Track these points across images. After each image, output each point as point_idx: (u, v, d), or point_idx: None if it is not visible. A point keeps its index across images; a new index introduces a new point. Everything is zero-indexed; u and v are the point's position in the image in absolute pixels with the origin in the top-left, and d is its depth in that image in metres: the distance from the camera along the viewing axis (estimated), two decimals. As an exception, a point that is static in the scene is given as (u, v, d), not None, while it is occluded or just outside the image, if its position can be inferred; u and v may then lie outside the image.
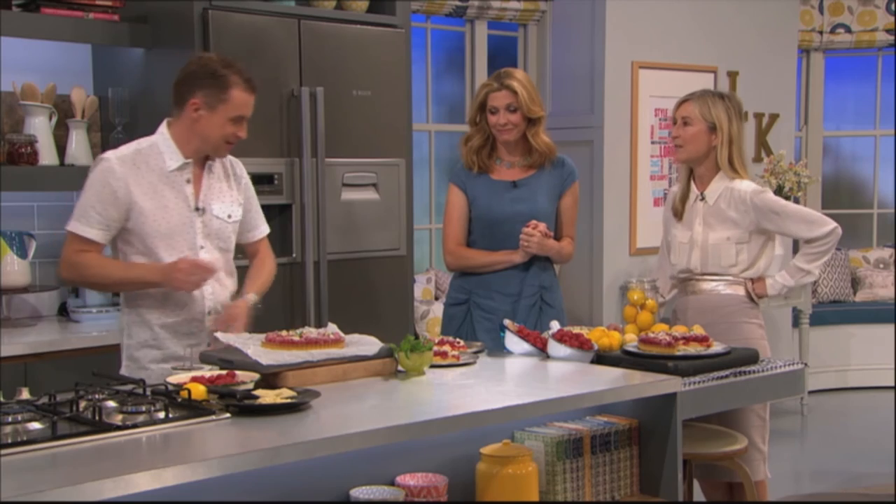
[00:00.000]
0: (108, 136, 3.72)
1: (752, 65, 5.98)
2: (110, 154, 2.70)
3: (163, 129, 2.76)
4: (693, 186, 3.31)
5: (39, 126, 3.51)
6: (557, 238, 3.40)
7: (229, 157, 2.85)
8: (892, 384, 6.68)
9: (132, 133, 3.69)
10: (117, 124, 3.66)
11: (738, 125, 3.26)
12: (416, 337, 2.69)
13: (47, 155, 3.51)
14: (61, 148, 3.59)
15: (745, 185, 3.23)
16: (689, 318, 3.27)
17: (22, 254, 3.51)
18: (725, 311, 3.24)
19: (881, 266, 7.00)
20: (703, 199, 3.27)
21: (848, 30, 7.00)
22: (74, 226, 2.67)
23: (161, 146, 2.72)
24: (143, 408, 2.08)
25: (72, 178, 3.57)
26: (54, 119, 3.59)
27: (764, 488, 3.26)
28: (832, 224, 3.21)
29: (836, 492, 4.68)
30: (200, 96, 2.66)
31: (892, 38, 6.95)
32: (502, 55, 5.61)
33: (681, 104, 3.30)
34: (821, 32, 7.01)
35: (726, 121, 3.22)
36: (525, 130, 3.34)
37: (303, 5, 3.79)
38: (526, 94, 3.29)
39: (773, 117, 6.19)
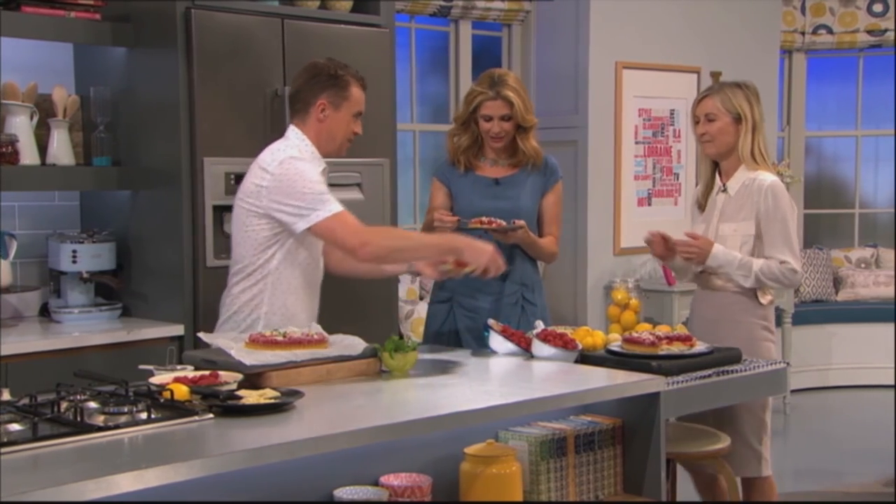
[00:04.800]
0: (89, 135, 3.69)
1: (735, 65, 5.99)
2: (293, 153, 2.80)
3: (297, 132, 2.87)
4: (717, 179, 3.30)
5: (20, 125, 3.49)
6: (540, 237, 3.40)
7: None
8: (875, 383, 6.73)
9: (114, 132, 3.68)
10: (99, 124, 3.64)
11: (760, 109, 3.24)
12: (401, 337, 2.69)
13: (28, 154, 3.48)
14: (42, 147, 3.57)
15: (768, 177, 3.20)
16: (697, 315, 3.27)
17: (3, 254, 3.49)
18: (731, 310, 3.21)
19: (862, 266, 7.05)
20: (724, 190, 3.25)
21: (829, 31, 7.04)
22: (331, 207, 2.71)
23: (307, 148, 2.84)
24: (126, 408, 2.07)
25: (53, 178, 3.55)
26: (35, 118, 3.56)
27: (766, 486, 3.24)
28: (800, 271, 3.17)
29: (818, 490, 4.71)
30: (325, 97, 2.84)
31: (874, 39, 7.00)
32: (486, 55, 5.62)
33: (701, 101, 3.26)
34: (803, 33, 7.05)
35: (749, 109, 3.20)
36: (515, 134, 3.35)
37: (286, 5, 3.78)
38: (521, 104, 3.29)
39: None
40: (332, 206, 2.72)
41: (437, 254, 2.85)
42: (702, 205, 3.32)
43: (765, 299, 3.23)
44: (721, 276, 3.22)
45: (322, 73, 2.86)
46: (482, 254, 2.79)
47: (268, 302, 2.82)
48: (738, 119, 3.21)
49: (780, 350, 6.23)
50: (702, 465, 3.21)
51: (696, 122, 3.27)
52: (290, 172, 2.74)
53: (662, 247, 3.24)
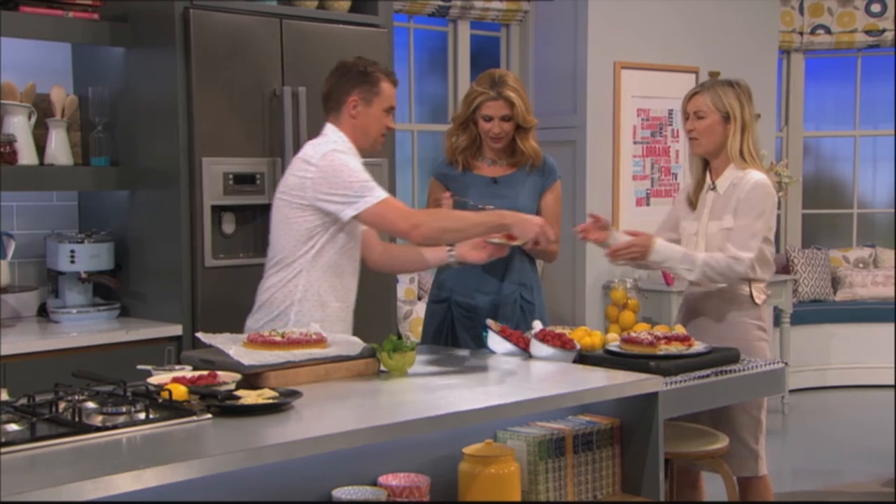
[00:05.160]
0: (88, 135, 3.69)
1: (734, 65, 5.99)
2: (337, 146, 2.85)
3: (334, 129, 2.92)
4: (708, 177, 3.29)
5: (18, 125, 3.48)
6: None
7: None
8: (873, 383, 6.74)
9: (112, 132, 3.68)
10: (97, 124, 3.64)
11: (750, 109, 3.21)
12: (399, 337, 2.69)
13: (26, 154, 3.48)
14: (41, 147, 3.57)
15: (757, 175, 3.16)
16: (694, 314, 3.26)
17: (1, 254, 3.48)
18: (726, 310, 3.20)
19: (861, 266, 7.05)
20: (714, 188, 3.24)
21: (828, 31, 7.05)
22: (378, 194, 2.76)
23: (345, 143, 2.89)
24: (124, 409, 2.07)
25: (51, 178, 3.55)
26: (33, 118, 3.56)
27: (761, 485, 3.24)
28: (745, 259, 3.09)
29: (817, 490, 4.71)
30: (356, 93, 2.90)
31: (872, 39, 7.00)
32: (485, 55, 5.62)
33: (691, 97, 3.25)
34: (801, 33, 7.06)
35: (738, 108, 3.18)
36: (514, 134, 3.35)
37: (285, 5, 3.78)
38: (522, 104, 3.30)
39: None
40: (379, 192, 2.78)
41: (486, 231, 2.89)
42: (693, 202, 3.31)
43: (759, 299, 3.21)
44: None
45: (352, 70, 2.92)
46: (531, 225, 2.85)
47: (302, 289, 2.85)
48: (726, 118, 3.18)
49: (779, 350, 6.24)
50: (693, 465, 3.22)
51: (686, 118, 3.26)
52: (336, 163, 2.79)
53: (594, 229, 3.19)
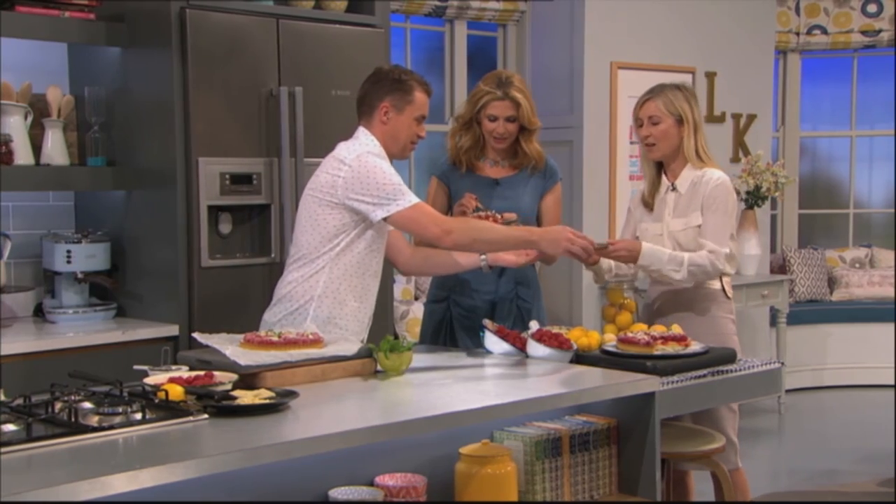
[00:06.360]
0: (84, 135, 3.69)
1: (730, 66, 6.01)
2: (371, 148, 2.87)
3: (366, 132, 2.94)
4: (664, 178, 3.34)
5: (14, 125, 3.48)
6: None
7: None
8: (870, 383, 6.75)
9: (109, 132, 3.67)
10: (94, 124, 3.64)
11: (699, 111, 3.32)
12: (396, 337, 2.69)
13: (22, 154, 3.48)
14: (37, 147, 3.56)
15: (717, 173, 3.26)
16: (665, 311, 3.28)
17: (-3, 254, 3.48)
18: (702, 306, 3.25)
19: (857, 266, 7.06)
20: (674, 189, 3.29)
21: (824, 31, 7.06)
22: (411, 199, 2.80)
23: (378, 147, 2.91)
24: (120, 409, 2.07)
25: (47, 178, 3.54)
26: (30, 118, 3.55)
27: (740, 478, 3.27)
28: (722, 253, 3.13)
29: (812, 489, 4.72)
30: (389, 101, 2.92)
31: (868, 39, 7.01)
32: (482, 55, 5.62)
33: (643, 104, 3.32)
34: (797, 34, 7.07)
35: (689, 110, 3.28)
36: (518, 136, 3.36)
37: (281, 5, 3.78)
38: (527, 106, 3.31)
39: (751, 118, 6.24)
40: (411, 197, 2.83)
41: (514, 246, 3.02)
42: (650, 204, 3.35)
43: (730, 293, 3.30)
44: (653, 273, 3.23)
45: (386, 77, 2.95)
46: (558, 243, 2.94)
47: (322, 285, 2.86)
48: (679, 120, 3.27)
49: (775, 350, 6.24)
50: (689, 465, 3.23)
51: (640, 125, 3.32)
52: (369, 165, 2.81)
53: (591, 253, 3.16)
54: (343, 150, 2.90)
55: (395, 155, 2.98)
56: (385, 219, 2.82)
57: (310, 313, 2.85)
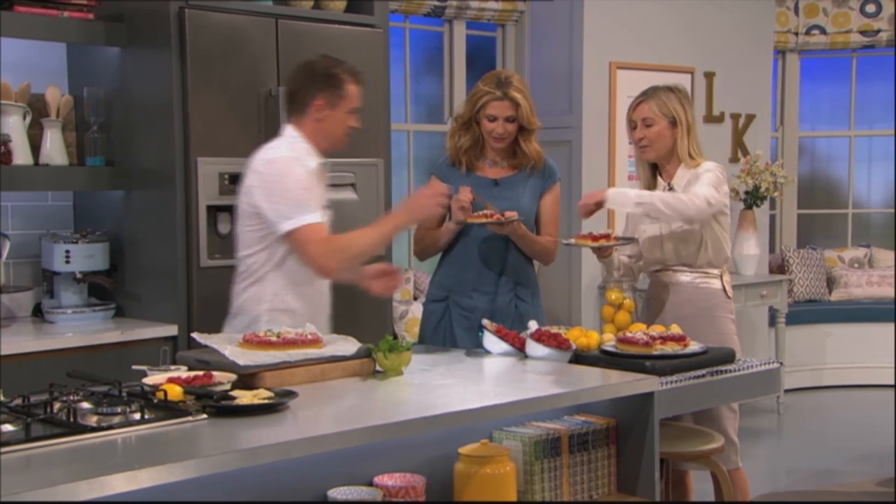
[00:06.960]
0: (83, 135, 3.69)
1: (729, 66, 6.01)
2: (283, 152, 2.80)
3: (293, 131, 2.87)
4: (660, 179, 3.34)
5: (13, 125, 3.48)
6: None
7: None
8: (869, 383, 6.75)
9: (107, 132, 3.67)
10: (92, 124, 3.64)
11: (692, 111, 3.33)
12: (395, 337, 2.69)
13: (21, 154, 3.48)
14: (36, 147, 3.56)
15: (711, 163, 3.29)
16: (666, 311, 3.28)
17: (-4, 254, 3.48)
18: (704, 305, 3.25)
19: (856, 266, 7.06)
20: (670, 188, 3.30)
21: (823, 31, 7.06)
22: (306, 218, 2.72)
23: (302, 146, 2.84)
24: (119, 409, 2.07)
25: (46, 178, 3.54)
26: (28, 118, 3.55)
27: (740, 477, 3.28)
28: (703, 205, 3.10)
29: (812, 489, 4.72)
30: (321, 98, 2.85)
31: (867, 39, 7.02)
32: (481, 55, 5.62)
33: (636, 106, 3.33)
34: (796, 34, 7.07)
35: (682, 111, 3.29)
36: (517, 136, 3.36)
37: (280, 5, 3.78)
38: (527, 106, 3.30)
39: (750, 118, 6.24)
40: (309, 216, 2.73)
41: (388, 237, 2.96)
42: None
43: (731, 293, 3.31)
44: (686, 271, 3.22)
45: (317, 73, 2.88)
46: (420, 209, 2.87)
47: (269, 297, 2.84)
48: (673, 122, 3.28)
49: (774, 350, 6.25)
50: (688, 465, 3.23)
51: (633, 127, 3.32)
52: (275, 172, 2.77)
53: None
54: (260, 153, 2.85)
55: (328, 150, 2.92)
56: (287, 234, 2.73)
57: (262, 326, 2.77)
